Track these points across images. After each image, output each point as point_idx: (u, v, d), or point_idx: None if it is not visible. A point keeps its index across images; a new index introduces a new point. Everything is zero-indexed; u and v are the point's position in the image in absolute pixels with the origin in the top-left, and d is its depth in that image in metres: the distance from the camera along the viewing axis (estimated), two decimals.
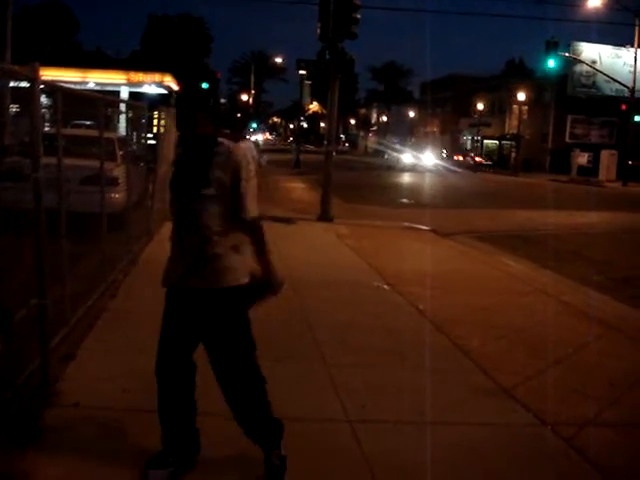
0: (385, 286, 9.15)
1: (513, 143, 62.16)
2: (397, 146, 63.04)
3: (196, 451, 3.95)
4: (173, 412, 3.85)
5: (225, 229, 3.64)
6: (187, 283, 3.66)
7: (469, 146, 75.73)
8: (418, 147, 62.57)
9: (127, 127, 11.44)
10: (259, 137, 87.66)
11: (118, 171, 10.18)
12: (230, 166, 3.57)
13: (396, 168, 50.37)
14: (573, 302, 8.86)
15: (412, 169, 50.01)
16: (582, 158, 51.36)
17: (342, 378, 5.53)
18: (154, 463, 3.82)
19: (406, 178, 40.96)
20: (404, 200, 24.87)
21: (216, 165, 3.56)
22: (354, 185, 28.15)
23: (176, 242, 3.71)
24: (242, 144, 3.69)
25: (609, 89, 53.31)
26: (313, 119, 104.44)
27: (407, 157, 56.78)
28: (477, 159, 67.90)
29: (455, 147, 75.81)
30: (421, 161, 55.93)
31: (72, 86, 8.70)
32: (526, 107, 60.96)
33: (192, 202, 3.60)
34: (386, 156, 59.45)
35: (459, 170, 53.15)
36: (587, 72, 53.94)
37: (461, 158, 69.23)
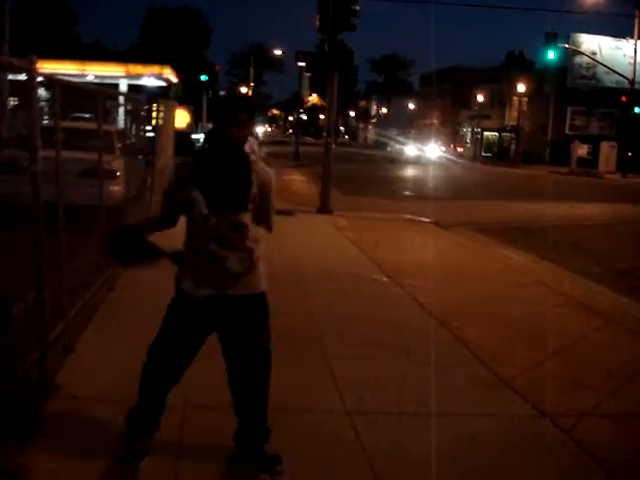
0: (385, 278, 9.14)
1: (513, 135, 62.00)
2: (400, 138, 61.08)
3: (156, 429, 3.96)
4: (162, 392, 3.91)
5: (257, 237, 3.79)
6: (233, 290, 3.70)
7: (469, 138, 75.55)
8: (422, 139, 60.67)
9: (126, 120, 11.43)
10: (259, 129, 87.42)
11: (117, 164, 10.16)
12: (260, 182, 3.71)
13: (400, 161, 49.10)
14: (572, 294, 8.86)
15: (416, 161, 48.69)
16: (582, 150, 51.19)
17: (341, 370, 5.54)
18: (129, 457, 3.86)
19: (408, 171, 40.73)
20: (405, 192, 24.83)
21: (253, 180, 3.68)
22: (355, 177, 28.08)
23: (203, 252, 3.65)
24: (250, 138, 3.73)
25: (609, 81, 53.10)
26: (312, 111, 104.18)
27: (411, 149, 54.97)
28: (458, 149, 68.37)
29: (455, 139, 75.65)
30: (425, 153, 54.10)
31: (71, 79, 8.68)
32: (526, 99, 60.81)
33: (238, 216, 3.66)
34: (389, 148, 57.55)
35: (466, 162, 52.74)
36: (587, 64, 53.77)
37: (443, 148, 69.28)
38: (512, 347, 6.49)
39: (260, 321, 3.83)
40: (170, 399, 3.97)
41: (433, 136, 67.75)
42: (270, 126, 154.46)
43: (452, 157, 56.36)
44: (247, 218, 3.69)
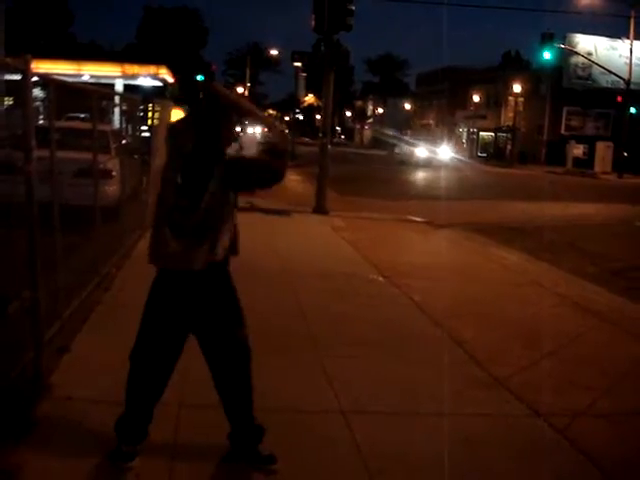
0: (380, 278, 9.15)
1: (509, 135, 62.01)
2: (408, 138, 57.83)
3: (144, 437, 3.96)
4: (149, 402, 3.93)
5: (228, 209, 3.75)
6: (193, 264, 3.67)
7: (465, 138, 75.60)
8: (433, 140, 57.61)
9: (121, 120, 11.43)
10: (257, 130, 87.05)
11: (112, 164, 10.15)
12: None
13: (410, 163, 46.01)
14: (568, 294, 8.87)
15: (428, 164, 45.39)
16: (578, 150, 51.34)
17: (336, 370, 5.54)
18: (117, 456, 3.85)
19: (415, 172, 40.45)
20: (402, 193, 24.80)
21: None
22: (352, 179, 28.05)
23: (175, 220, 3.67)
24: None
25: (605, 81, 53.17)
26: (309, 111, 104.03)
27: (421, 151, 49.60)
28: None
29: (451, 140, 75.73)
30: (437, 155, 49.53)
31: (66, 79, 8.67)
32: (522, 99, 60.84)
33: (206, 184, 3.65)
34: (397, 150, 54.40)
35: (475, 163, 51.58)
36: (583, 64, 53.79)
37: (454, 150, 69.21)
38: (507, 347, 6.50)
39: (228, 299, 3.85)
40: (165, 398, 3.97)
41: (446, 138, 65.45)
42: None
43: (462, 158, 54.04)
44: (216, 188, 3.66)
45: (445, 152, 51.81)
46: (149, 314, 3.84)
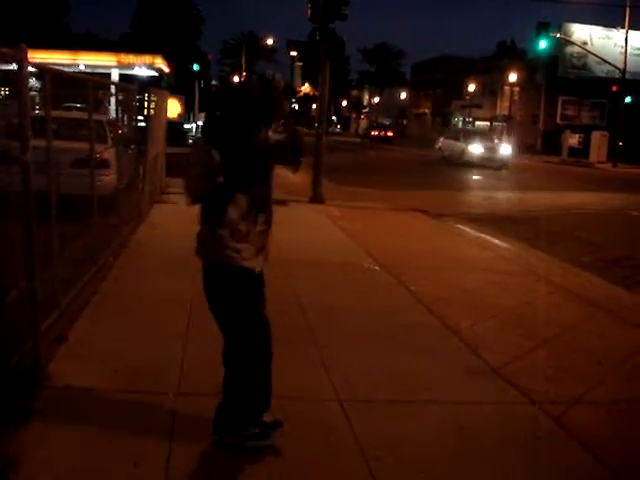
0: (376, 267, 9.17)
1: (504, 124, 62.04)
2: (461, 131, 45.18)
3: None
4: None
5: None
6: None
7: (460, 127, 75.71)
8: (489, 136, 42.39)
9: (117, 109, 11.41)
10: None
11: (108, 153, 10.14)
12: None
13: (459, 162, 35.93)
14: (563, 283, 8.91)
15: (487, 164, 34.93)
16: (573, 139, 51.27)
17: (332, 359, 5.56)
18: (258, 436, 4.00)
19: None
20: (398, 183, 24.79)
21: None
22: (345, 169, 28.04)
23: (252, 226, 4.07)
24: None
25: (600, 70, 53.11)
26: (305, 101, 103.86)
27: (476, 147, 37.38)
28: (373, 133, 71.16)
29: (446, 129, 75.72)
30: (496, 153, 37.18)
31: (62, 68, 8.65)
32: (517, 88, 60.86)
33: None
34: (439, 144, 44.04)
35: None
36: (578, 53, 53.75)
37: (376, 133, 71.05)
38: (503, 335, 6.54)
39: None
40: (161, 388, 4.00)
41: (508, 131, 57.42)
42: None
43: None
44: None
45: (506, 149, 38.91)
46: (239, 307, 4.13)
